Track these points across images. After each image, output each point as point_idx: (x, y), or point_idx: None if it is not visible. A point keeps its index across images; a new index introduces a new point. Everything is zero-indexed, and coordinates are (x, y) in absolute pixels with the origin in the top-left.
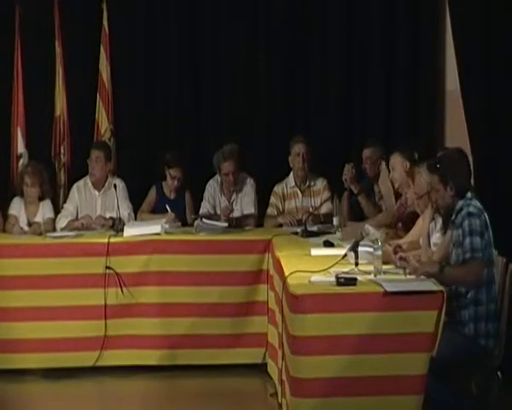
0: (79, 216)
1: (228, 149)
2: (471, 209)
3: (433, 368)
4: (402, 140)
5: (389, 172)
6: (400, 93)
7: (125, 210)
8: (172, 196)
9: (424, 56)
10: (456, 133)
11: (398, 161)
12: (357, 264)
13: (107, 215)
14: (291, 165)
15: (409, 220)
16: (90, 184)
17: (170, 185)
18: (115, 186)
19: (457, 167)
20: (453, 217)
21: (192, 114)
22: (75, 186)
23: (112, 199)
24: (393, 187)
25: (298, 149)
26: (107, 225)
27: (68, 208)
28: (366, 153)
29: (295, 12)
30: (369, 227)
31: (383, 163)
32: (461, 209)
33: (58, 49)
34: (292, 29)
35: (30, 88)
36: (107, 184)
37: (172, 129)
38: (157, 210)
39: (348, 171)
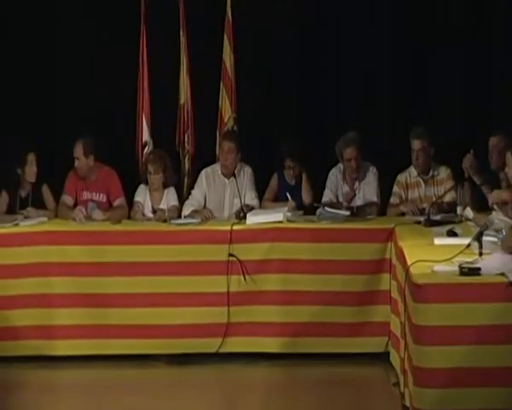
0: (207, 203)
1: (350, 135)
2: None
3: None
4: None
5: None
6: None
7: (253, 199)
8: (293, 183)
9: None
10: None
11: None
12: (481, 254)
13: (235, 202)
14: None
15: None
16: (220, 172)
17: (287, 173)
18: (243, 173)
19: None
20: None
21: (314, 102)
22: (203, 172)
23: (240, 186)
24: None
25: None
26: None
27: (196, 195)
28: (492, 141)
29: (420, 7)
30: (493, 217)
31: None
32: None
33: (182, 39)
34: (413, 23)
35: (155, 77)
36: (236, 171)
37: (294, 117)
38: (279, 197)
39: (468, 159)
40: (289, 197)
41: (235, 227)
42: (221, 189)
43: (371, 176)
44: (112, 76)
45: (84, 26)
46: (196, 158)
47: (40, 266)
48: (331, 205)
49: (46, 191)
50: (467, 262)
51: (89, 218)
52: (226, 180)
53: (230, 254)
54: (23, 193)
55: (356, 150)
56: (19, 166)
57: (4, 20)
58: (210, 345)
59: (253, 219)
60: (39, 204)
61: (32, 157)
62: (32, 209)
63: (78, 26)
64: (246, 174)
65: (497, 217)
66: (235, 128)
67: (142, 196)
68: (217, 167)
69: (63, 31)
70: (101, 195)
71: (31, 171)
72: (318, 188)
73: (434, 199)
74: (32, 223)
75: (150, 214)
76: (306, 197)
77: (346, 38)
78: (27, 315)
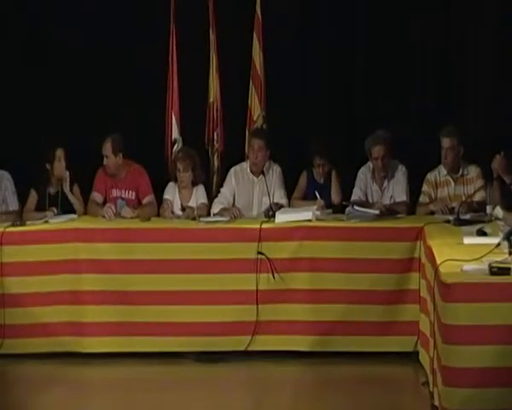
0: (236, 201)
1: (379, 133)
2: None
3: None
4: None
5: None
6: None
7: (281, 198)
8: (322, 181)
9: None
10: None
11: None
12: (510, 253)
13: (264, 200)
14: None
15: None
16: (249, 170)
17: (317, 171)
18: (272, 171)
19: None
20: None
21: (344, 100)
22: (232, 170)
23: (269, 184)
24: None
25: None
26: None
27: (225, 193)
28: None
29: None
30: None
31: None
32: None
33: (212, 37)
34: (443, 22)
35: (184, 75)
36: (264, 169)
37: (324, 115)
38: (308, 196)
39: (498, 160)
40: (318, 196)
41: (264, 225)
42: (250, 187)
43: (400, 175)
44: (141, 74)
45: (113, 24)
46: (225, 156)
47: (69, 263)
48: (360, 204)
49: (77, 191)
50: (496, 262)
51: (118, 215)
52: (255, 178)
53: (259, 253)
54: (52, 190)
55: (383, 149)
56: (47, 162)
57: (36, 17)
58: (239, 343)
59: (282, 218)
60: (68, 202)
61: (60, 153)
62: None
63: (107, 25)
64: (275, 172)
65: None
66: (264, 126)
67: (171, 193)
68: (246, 165)
69: (92, 28)
70: (130, 192)
71: (59, 166)
72: (347, 186)
73: (464, 198)
74: (61, 220)
75: (179, 212)
76: (336, 197)
77: (376, 35)
78: (57, 312)
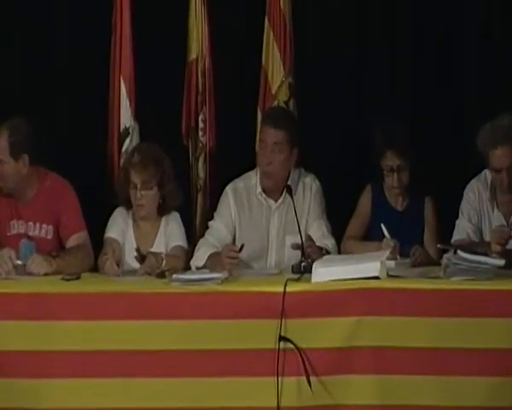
0: (237, 240)
1: (502, 124)
2: None
3: None
4: None
5: None
6: None
7: (324, 236)
8: (401, 207)
9: None
10: None
11: None
12: None
13: (288, 240)
14: None
15: None
16: (260, 188)
17: (389, 184)
18: (304, 189)
19: None
20: None
21: (432, 62)
22: (229, 189)
23: (299, 212)
24: None
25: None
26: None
27: (218, 229)
28: None
29: None
30: None
31: None
32: None
33: None
34: None
35: (140, 15)
36: (290, 184)
37: (400, 84)
38: (373, 231)
39: None
40: (385, 232)
41: (290, 288)
42: (262, 217)
43: None
44: (65, 17)
45: None
46: (219, 159)
47: None
48: (469, 247)
49: None
50: None
51: (21, 269)
52: (272, 202)
53: (282, 338)
54: None
55: None
56: None
57: None
58: None
59: (324, 274)
60: None
61: None
62: None
63: None
64: (309, 190)
65: None
66: (290, 103)
67: (119, 228)
68: (255, 179)
69: None
70: (43, 226)
71: None
72: (444, 215)
73: None
74: None
75: (135, 264)
76: (430, 246)
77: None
78: None
